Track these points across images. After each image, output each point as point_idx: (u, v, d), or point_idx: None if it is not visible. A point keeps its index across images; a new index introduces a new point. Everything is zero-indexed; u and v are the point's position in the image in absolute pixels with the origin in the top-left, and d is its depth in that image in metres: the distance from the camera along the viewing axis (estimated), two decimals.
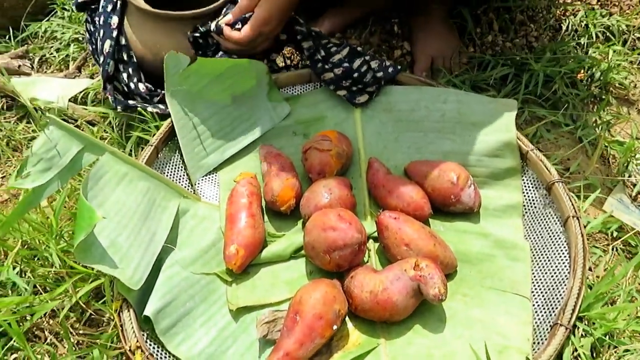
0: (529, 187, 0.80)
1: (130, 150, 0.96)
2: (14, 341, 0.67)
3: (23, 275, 0.76)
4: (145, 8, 0.93)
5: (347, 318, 0.68)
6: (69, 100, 1.11)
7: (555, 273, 0.70)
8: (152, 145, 0.83)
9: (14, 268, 0.74)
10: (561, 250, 0.71)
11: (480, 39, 1.11)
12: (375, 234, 0.77)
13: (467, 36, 1.12)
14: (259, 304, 0.71)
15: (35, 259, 0.77)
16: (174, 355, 0.64)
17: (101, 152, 0.73)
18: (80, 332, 0.74)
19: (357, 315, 0.68)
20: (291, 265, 0.77)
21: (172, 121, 0.86)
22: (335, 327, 0.64)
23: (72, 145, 0.70)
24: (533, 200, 0.79)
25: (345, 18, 1.16)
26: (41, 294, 0.73)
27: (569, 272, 0.68)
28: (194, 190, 0.85)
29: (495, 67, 1.03)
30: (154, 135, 0.96)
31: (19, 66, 1.22)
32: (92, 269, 0.69)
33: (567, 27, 1.13)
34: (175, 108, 0.86)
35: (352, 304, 0.68)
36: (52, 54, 1.30)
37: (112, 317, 0.74)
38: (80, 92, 1.15)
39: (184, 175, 0.87)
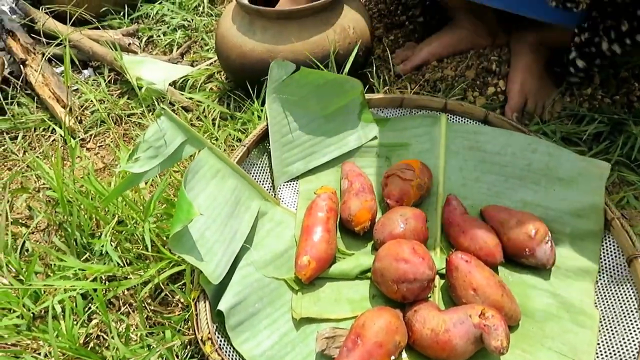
0: (608, 255, 0.79)
1: (221, 143, 1.01)
2: (96, 307, 0.74)
3: (111, 246, 0.82)
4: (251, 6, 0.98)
5: (403, 351, 0.70)
6: (169, 85, 1.18)
7: (622, 350, 0.68)
8: (244, 146, 0.87)
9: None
10: (633, 328, 0.69)
11: (579, 90, 1.09)
12: (443, 271, 0.78)
13: (565, 85, 1.10)
14: (320, 317, 0.74)
15: (123, 233, 0.83)
16: (237, 352, 0.68)
17: (201, 146, 0.78)
18: (152, 307, 0.79)
19: (414, 349, 0.70)
20: (355, 285, 0.79)
21: (267, 125, 0.90)
22: (393, 357, 0.65)
23: (177, 137, 0.75)
24: (610, 269, 0.77)
25: (446, 48, 1.17)
26: (124, 267, 0.79)
27: (637, 352, 0.66)
28: (275, 194, 0.89)
29: (591, 123, 1.01)
30: (244, 133, 1.01)
31: (129, 44, 1.30)
32: (176, 255, 0.74)
33: None
34: (272, 113, 0.90)
35: (411, 337, 0.69)
36: (159, 36, 1.39)
37: (181, 301, 0.80)
38: (180, 78, 1.22)
39: (267, 178, 0.91)
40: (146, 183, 0.91)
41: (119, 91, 1.23)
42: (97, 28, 1.29)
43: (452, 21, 1.21)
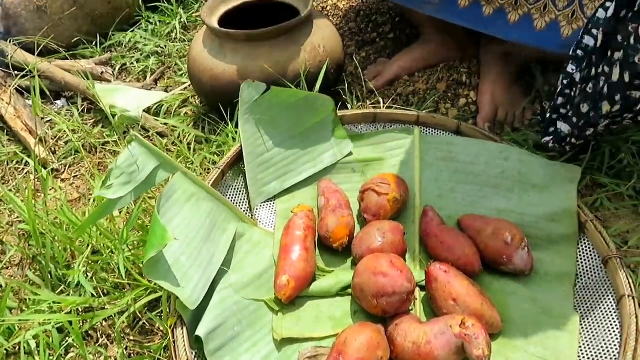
0: (584, 257, 0.80)
1: (196, 167, 1.01)
2: (72, 339, 0.72)
3: (87, 277, 0.81)
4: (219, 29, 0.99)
5: None
6: (144, 111, 1.18)
7: (604, 351, 0.68)
8: (218, 168, 0.87)
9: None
10: (612, 329, 0.70)
11: (548, 99, 1.11)
12: (423, 283, 0.78)
13: (534, 94, 1.12)
14: (302, 336, 0.73)
15: (98, 263, 0.82)
16: None
17: (174, 171, 0.77)
18: (130, 337, 0.78)
19: None
20: (336, 302, 0.78)
21: (241, 146, 0.90)
22: None
23: (150, 162, 0.75)
24: (588, 272, 0.78)
25: (417, 62, 1.19)
26: (100, 297, 0.78)
27: (618, 353, 0.67)
28: (252, 215, 0.89)
29: None
30: (219, 155, 1.01)
31: (102, 73, 1.30)
32: (152, 281, 0.73)
33: None
34: (246, 134, 0.90)
35: (394, 352, 0.69)
36: (132, 64, 1.39)
37: (160, 328, 0.78)
38: (155, 104, 1.21)
39: (244, 199, 0.91)
40: (121, 212, 0.90)
41: (93, 120, 1.22)
42: (68, 58, 1.28)
43: (421, 36, 1.23)
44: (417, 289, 0.79)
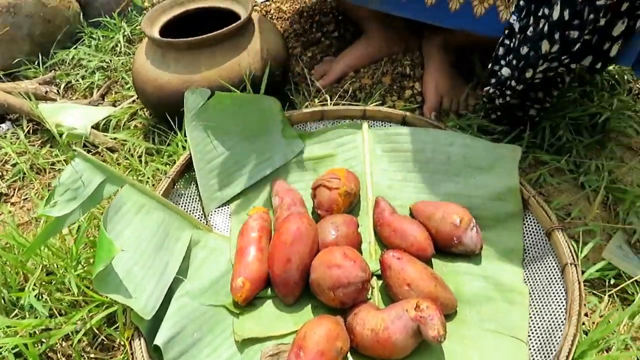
0: (530, 232, 0.83)
1: (148, 178, 1.00)
2: None
3: (41, 298, 0.80)
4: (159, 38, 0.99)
5: (348, 354, 0.71)
6: (92, 127, 1.16)
7: (552, 318, 0.72)
8: (169, 177, 0.87)
9: (32, 291, 0.77)
10: (559, 296, 0.73)
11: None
12: (380, 272, 0.80)
13: (475, 80, 1.16)
14: (264, 335, 0.73)
15: (53, 283, 0.80)
16: None
17: (122, 184, 0.77)
18: (92, 355, 0.77)
19: (358, 352, 0.71)
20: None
21: (189, 154, 0.90)
22: None
23: (95, 177, 0.74)
24: (533, 245, 0.81)
25: (361, 58, 1.21)
26: (57, 317, 0.77)
27: (565, 318, 0.70)
28: (207, 222, 0.89)
29: None
30: (171, 165, 1.01)
31: (46, 92, 1.28)
32: (107, 296, 0.73)
33: (575, 73, 1.16)
34: (194, 142, 0.90)
35: (354, 341, 0.70)
36: (77, 80, 1.37)
37: (122, 343, 0.78)
38: (103, 119, 1.20)
39: (198, 206, 0.91)
40: (70, 231, 0.88)
41: (40, 141, 1.20)
42: (10, 80, 1.26)
43: (364, 33, 1.25)
44: (375, 278, 0.81)
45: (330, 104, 1.10)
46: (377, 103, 1.12)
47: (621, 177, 0.98)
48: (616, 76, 1.16)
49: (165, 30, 1.08)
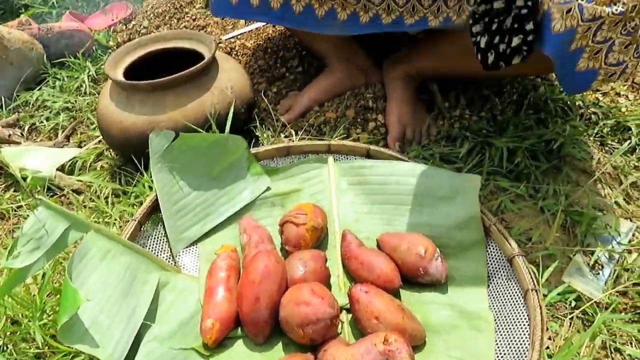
0: (492, 259, 0.85)
1: (115, 220, 1.00)
2: None
3: (6, 349, 0.78)
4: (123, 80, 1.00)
5: None
6: (57, 169, 1.16)
7: (517, 344, 0.73)
8: (135, 220, 0.86)
9: None
10: (522, 322, 0.75)
11: (449, 113, 1.19)
12: (348, 305, 0.81)
13: (436, 110, 1.20)
14: None
15: (18, 333, 0.79)
16: None
17: (87, 229, 0.77)
18: None
19: None
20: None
21: (156, 196, 0.90)
22: None
23: (59, 224, 0.74)
24: (497, 271, 0.84)
25: (325, 92, 1.24)
26: None
27: (529, 344, 0.72)
28: (175, 263, 0.89)
29: (463, 140, 1.10)
30: (138, 206, 1.00)
31: (9, 135, 1.27)
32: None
33: (529, 101, 1.21)
34: (160, 183, 0.91)
35: None
36: (42, 122, 1.36)
37: None
38: (69, 161, 1.19)
39: (166, 247, 0.90)
40: (35, 278, 0.87)
41: (4, 185, 1.18)
42: None
43: (326, 67, 1.28)
44: (344, 312, 0.82)
45: (296, 138, 1.12)
46: (342, 136, 1.14)
47: (577, 200, 1.02)
48: (568, 102, 1.22)
49: (130, 71, 1.09)
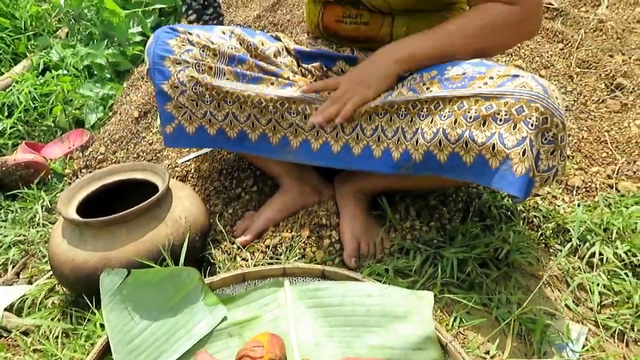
0: None
1: None
2: None
3: None
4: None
5: None
6: (5, 309, 1.11)
7: None
8: None
9: None
10: None
11: (400, 225, 1.23)
12: None
13: (388, 223, 1.24)
14: None
15: None
16: None
17: None
18: None
19: None
20: None
21: (107, 338, 0.88)
22: None
23: None
24: None
25: (279, 212, 1.27)
26: None
27: None
28: None
29: (416, 253, 1.13)
30: (90, 348, 0.97)
31: None
32: None
33: (474, 208, 1.27)
34: (112, 324, 0.89)
35: None
36: None
37: None
38: (17, 299, 1.15)
39: None
40: None
41: None
42: None
43: (280, 187, 1.33)
44: None
45: (251, 262, 1.13)
46: (298, 256, 1.16)
47: (530, 306, 1.05)
48: (510, 208, 1.28)
49: (86, 203, 1.10)
